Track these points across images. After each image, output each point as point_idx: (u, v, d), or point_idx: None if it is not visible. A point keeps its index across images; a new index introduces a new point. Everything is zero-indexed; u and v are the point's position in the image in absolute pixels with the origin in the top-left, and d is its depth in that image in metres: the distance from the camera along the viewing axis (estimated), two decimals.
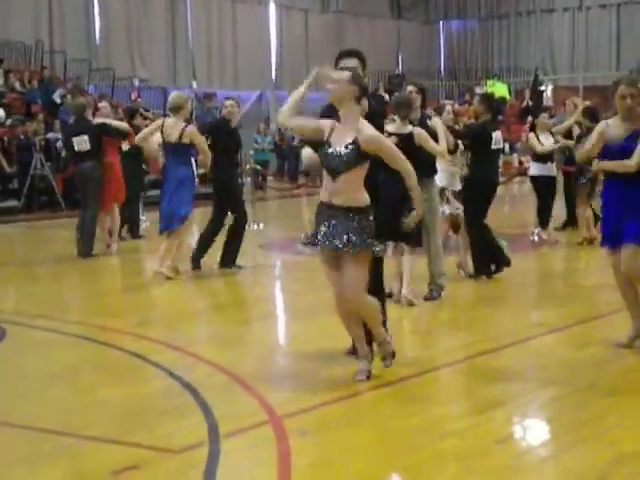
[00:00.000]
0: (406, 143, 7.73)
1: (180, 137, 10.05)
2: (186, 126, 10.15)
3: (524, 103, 30.41)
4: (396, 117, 8.28)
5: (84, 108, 12.33)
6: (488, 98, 10.47)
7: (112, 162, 12.50)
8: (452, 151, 9.36)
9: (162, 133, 10.23)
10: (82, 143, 11.96)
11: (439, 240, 8.96)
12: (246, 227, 10.94)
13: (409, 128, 8.20)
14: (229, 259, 10.67)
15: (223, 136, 10.59)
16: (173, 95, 10.56)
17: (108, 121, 12.49)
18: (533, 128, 12.66)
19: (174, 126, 10.12)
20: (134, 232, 14.20)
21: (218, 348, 7.09)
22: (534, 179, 12.71)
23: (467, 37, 37.07)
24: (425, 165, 8.08)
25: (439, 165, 9.23)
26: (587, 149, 6.77)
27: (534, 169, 12.63)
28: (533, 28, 35.41)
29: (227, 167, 10.56)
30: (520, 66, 34.17)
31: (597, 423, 5.12)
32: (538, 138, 12.29)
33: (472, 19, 36.90)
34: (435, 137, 8.50)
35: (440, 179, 9.58)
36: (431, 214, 8.50)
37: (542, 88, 32.23)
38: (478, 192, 9.65)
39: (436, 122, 8.63)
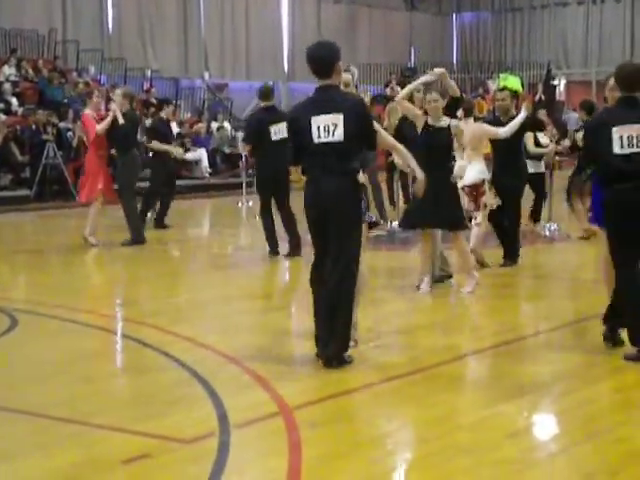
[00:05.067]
0: None
1: None
2: None
3: (536, 97, 30.28)
4: None
5: None
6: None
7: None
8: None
9: None
10: None
11: None
12: None
13: None
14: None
15: None
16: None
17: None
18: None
19: None
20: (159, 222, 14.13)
21: (230, 339, 7.09)
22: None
23: (480, 30, 36.88)
24: None
25: (476, 161, 9.39)
26: None
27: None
28: (547, 21, 35.23)
29: None
30: (533, 60, 33.98)
31: (607, 419, 5.12)
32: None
33: (485, 12, 36.74)
34: None
35: (483, 172, 9.59)
36: None
37: (555, 82, 32.07)
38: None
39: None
